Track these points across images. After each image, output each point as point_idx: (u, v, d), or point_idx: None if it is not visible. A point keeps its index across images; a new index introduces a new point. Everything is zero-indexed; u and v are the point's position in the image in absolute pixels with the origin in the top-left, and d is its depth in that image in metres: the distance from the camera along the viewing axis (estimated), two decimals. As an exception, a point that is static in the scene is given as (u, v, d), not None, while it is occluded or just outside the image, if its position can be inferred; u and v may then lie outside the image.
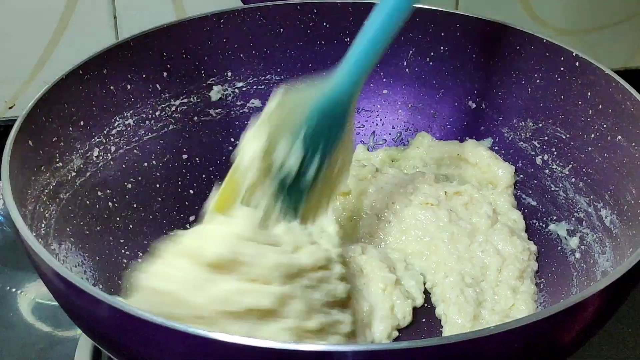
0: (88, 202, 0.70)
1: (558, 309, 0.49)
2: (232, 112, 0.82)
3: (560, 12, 1.02)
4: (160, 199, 0.76)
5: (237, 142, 0.76)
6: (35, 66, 0.93)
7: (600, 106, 0.71)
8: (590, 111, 0.72)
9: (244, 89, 0.82)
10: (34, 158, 0.64)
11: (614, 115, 0.69)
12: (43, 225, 0.63)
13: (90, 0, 0.89)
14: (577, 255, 0.70)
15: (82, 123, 0.71)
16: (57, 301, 0.58)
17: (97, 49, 0.72)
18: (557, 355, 0.54)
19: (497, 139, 0.80)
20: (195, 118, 0.81)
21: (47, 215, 0.64)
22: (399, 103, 0.84)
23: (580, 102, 0.73)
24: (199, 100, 0.81)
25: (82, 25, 0.90)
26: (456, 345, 0.46)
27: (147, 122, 0.77)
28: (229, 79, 0.82)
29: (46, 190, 0.65)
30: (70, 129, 0.70)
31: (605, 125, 0.70)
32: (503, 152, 0.79)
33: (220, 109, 0.82)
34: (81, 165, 0.70)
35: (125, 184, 0.74)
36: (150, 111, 0.77)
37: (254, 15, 0.81)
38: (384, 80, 0.84)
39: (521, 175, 0.77)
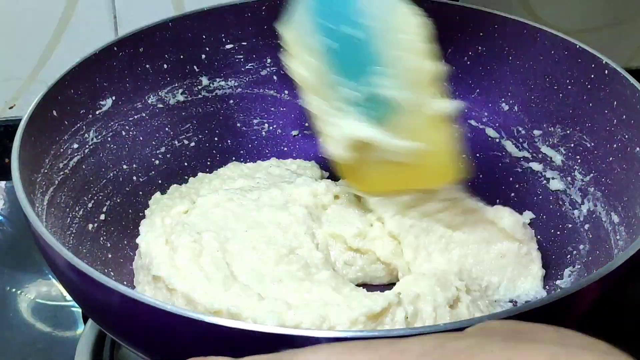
0: (111, 175, 0.74)
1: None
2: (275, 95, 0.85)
3: (560, 11, 0.99)
4: (186, 177, 0.79)
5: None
6: (35, 66, 0.92)
7: (624, 116, 0.69)
8: (615, 121, 0.70)
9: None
10: (57, 126, 0.68)
11: (635, 126, 0.68)
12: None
13: (90, 0, 0.89)
14: (584, 259, 0.69)
15: (113, 98, 0.75)
16: (70, 294, 0.59)
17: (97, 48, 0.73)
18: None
19: (525, 143, 0.79)
20: (231, 101, 0.83)
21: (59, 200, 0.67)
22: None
23: (606, 111, 0.71)
24: (236, 84, 0.83)
25: (82, 25, 0.89)
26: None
27: (180, 100, 0.80)
28: (267, 64, 0.84)
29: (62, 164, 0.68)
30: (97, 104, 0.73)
31: (627, 136, 0.68)
32: (531, 157, 0.78)
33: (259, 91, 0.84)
34: (102, 139, 0.74)
35: (153, 160, 0.78)
36: (185, 90, 0.80)
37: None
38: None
39: (543, 182, 0.77)
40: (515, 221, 0.70)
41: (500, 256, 0.69)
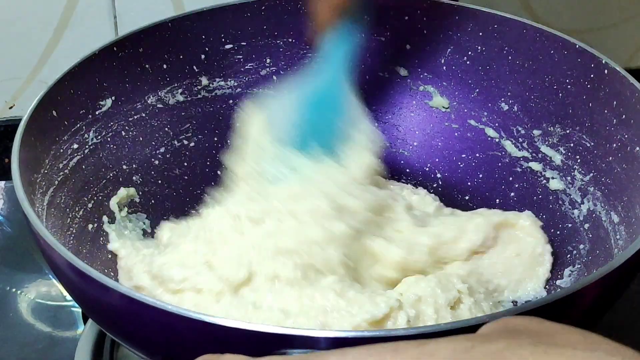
0: (111, 175, 0.74)
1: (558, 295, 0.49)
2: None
3: (560, 11, 0.99)
4: (186, 177, 0.79)
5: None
6: (35, 66, 0.93)
7: (623, 116, 0.69)
8: (615, 120, 0.70)
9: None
10: (56, 127, 0.68)
11: (635, 126, 0.68)
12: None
13: (90, 0, 0.90)
14: (584, 259, 0.69)
15: (113, 98, 0.75)
16: (70, 294, 0.59)
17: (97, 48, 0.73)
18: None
19: (524, 143, 0.79)
20: (231, 101, 0.83)
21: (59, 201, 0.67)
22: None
23: (606, 111, 0.71)
24: (236, 84, 0.83)
25: (82, 25, 0.90)
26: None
27: (180, 100, 0.80)
28: (267, 64, 0.84)
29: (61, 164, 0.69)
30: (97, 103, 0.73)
31: (626, 136, 0.68)
32: (531, 156, 0.78)
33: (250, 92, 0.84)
34: (101, 139, 0.74)
35: (153, 160, 0.78)
36: (185, 90, 0.80)
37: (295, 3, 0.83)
38: (421, 76, 0.84)
39: (543, 181, 0.77)
40: (533, 220, 0.71)
41: (515, 254, 0.70)
